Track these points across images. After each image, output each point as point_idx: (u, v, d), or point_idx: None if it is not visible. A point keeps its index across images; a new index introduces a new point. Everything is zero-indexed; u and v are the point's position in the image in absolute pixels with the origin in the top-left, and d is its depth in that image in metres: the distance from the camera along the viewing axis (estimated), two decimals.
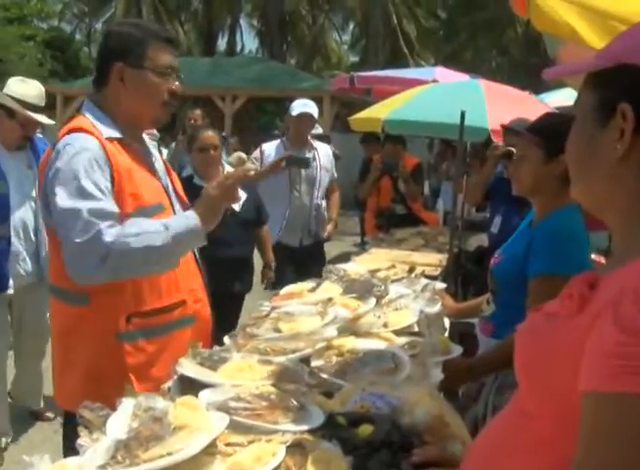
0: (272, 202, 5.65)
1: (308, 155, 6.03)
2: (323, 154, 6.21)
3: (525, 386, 1.25)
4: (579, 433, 1.03)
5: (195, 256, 2.87)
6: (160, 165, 2.88)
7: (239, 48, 40.02)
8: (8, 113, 4.31)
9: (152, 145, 2.92)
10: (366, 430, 1.81)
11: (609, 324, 0.99)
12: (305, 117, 5.95)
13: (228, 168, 5.01)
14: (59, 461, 1.67)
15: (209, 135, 4.83)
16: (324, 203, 6.30)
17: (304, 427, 1.83)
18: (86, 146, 2.51)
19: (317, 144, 6.26)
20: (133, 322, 2.61)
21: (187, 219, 2.53)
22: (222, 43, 39.87)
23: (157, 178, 2.78)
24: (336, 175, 6.45)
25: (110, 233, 2.38)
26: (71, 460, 1.68)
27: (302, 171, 5.99)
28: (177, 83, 2.72)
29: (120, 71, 2.66)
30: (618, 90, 1.17)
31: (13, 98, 4.34)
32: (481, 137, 6.31)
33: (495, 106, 6.41)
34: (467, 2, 30.00)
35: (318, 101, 18.38)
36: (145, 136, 2.90)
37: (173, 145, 7.24)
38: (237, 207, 4.59)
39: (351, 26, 39.95)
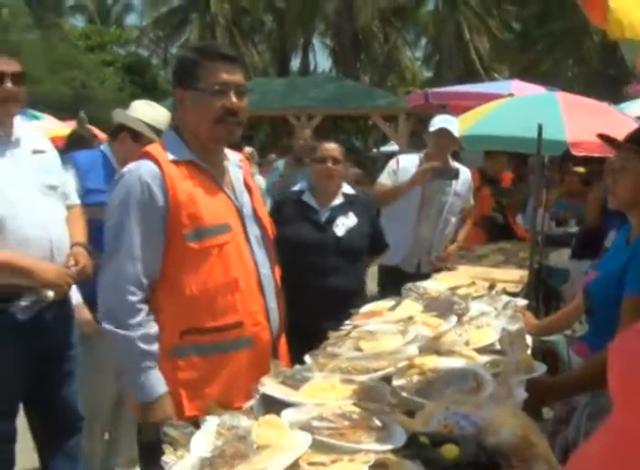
0: (397, 223, 5.29)
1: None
2: (461, 178, 5.67)
3: (622, 407, 1.21)
4: None
5: (259, 279, 2.83)
6: (238, 186, 2.89)
7: (312, 67, 40.40)
8: (133, 135, 4.22)
9: (234, 165, 2.94)
10: (450, 450, 1.79)
11: None
12: (444, 134, 5.42)
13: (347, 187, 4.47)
14: None
15: (330, 147, 4.30)
16: (448, 230, 5.75)
17: (387, 446, 1.82)
18: (141, 172, 2.65)
19: (457, 165, 5.70)
20: (188, 338, 2.66)
21: (156, 387, 2.63)
22: (296, 63, 40.35)
23: (228, 199, 2.80)
24: (472, 202, 6.02)
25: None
26: None
27: (437, 195, 5.53)
28: (234, 100, 2.71)
29: (180, 96, 2.74)
30: None
31: (140, 121, 4.27)
32: (560, 150, 6.21)
33: (573, 118, 6.29)
34: (542, 13, 29.63)
35: (393, 118, 18.54)
36: (232, 156, 2.95)
37: (279, 164, 7.02)
38: (341, 232, 4.16)
39: (424, 42, 39.90)
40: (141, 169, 2.66)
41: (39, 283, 3.30)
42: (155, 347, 2.62)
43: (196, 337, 2.66)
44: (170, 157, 2.69)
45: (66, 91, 25.79)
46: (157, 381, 2.62)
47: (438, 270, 5.39)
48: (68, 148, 4.96)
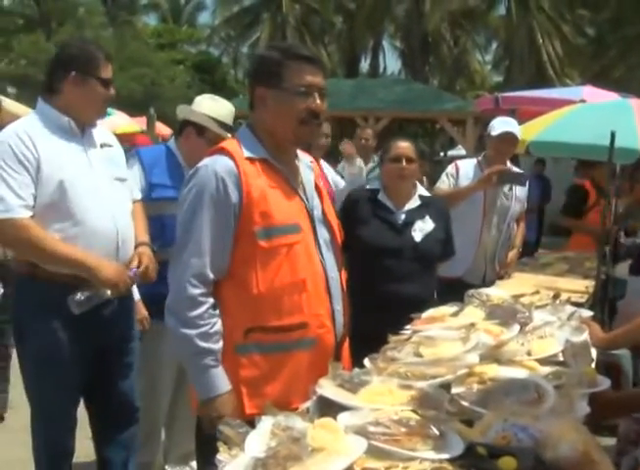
0: (459, 233, 4.81)
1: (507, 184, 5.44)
2: None
3: None
4: None
5: (327, 281, 2.82)
6: (309, 188, 2.89)
7: (381, 69, 40.31)
8: (197, 130, 4.24)
9: (306, 166, 2.95)
10: (508, 463, 1.75)
11: None
12: (508, 137, 5.30)
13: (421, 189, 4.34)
14: None
15: (404, 145, 4.13)
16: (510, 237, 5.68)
17: (444, 455, 1.80)
18: (217, 167, 2.66)
19: (517, 170, 5.58)
20: (251, 336, 2.66)
21: (215, 385, 2.65)
22: (365, 65, 40.29)
23: (300, 199, 2.81)
24: (526, 206, 5.86)
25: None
26: None
27: (499, 201, 5.41)
28: (318, 102, 2.72)
29: (262, 94, 2.74)
30: None
31: (206, 116, 4.28)
32: (632, 159, 6.07)
33: None
34: (616, 17, 29.04)
35: (461, 122, 18.39)
36: (303, 157, 2.96)
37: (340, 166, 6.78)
38: (418, 237, 4.03)
39: (494, 46, 39.47)
40: (217, 164, 2.67)
41: (99, 281, 3.34)
42: (216, 344, 2.64)
43: (260, 335, 2.67)
44: (246, 153, 2.70)
45: (135, 88, 26.24)
46: (216, 379, 2.63)
47: (500, 278, 5.32)
48: None
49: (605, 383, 2.65)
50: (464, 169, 5.42)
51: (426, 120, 22.95)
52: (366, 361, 2.63)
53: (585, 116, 6.77)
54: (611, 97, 8.97)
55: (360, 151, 6.90)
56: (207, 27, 45.15)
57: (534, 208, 11.66)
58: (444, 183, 5.43)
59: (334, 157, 7.85)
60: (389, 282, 3.90)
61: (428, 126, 27.53)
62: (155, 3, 44.63)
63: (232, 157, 2.68)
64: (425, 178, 14.99)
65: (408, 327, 3.09)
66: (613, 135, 5.49)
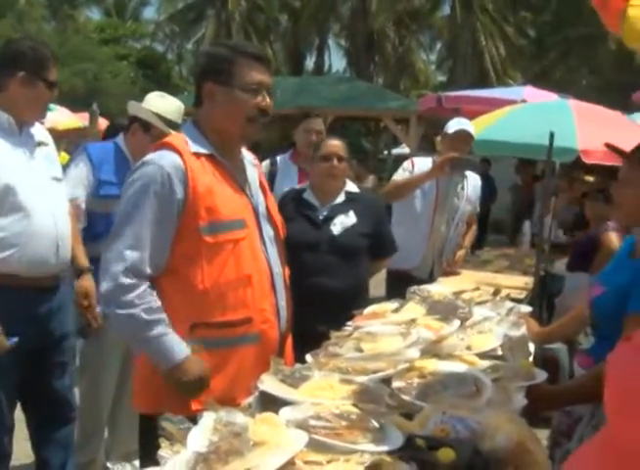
0: (410, 228, 5.26)
1: (459, 183, 5.53)
2: (472, 184, 5.65)
3: (615, 420, 1.19)
4: None
5: (272, 277, 2.85)
6: (254, 185, 2.92)
7: (326, 68, 40.39)
8: (143, 127, 4.22)
9: (250, 164, 2.97)
10: (446, 454, 1.78)
11: None
12: (463, 135, 5.38)
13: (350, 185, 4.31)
14: None
15: (335, 144, 4.12)
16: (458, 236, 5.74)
17: (383, 448, 1.82)
18: (163, 163, 2.65)
19: (468, 173, 5.60)
20: (196, 332, 2.66)
21: (177, 350, 2.63)
22: (310, 63, 40.33)
23: (245, 196, 2.82)
24: (478, 209, 5.92)
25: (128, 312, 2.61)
26: None
27: (450, 199, 5.47)
28: (267, 100, 2.75)
29: (210, 90, 2.75)
30: None
31: (152, 113, 4.26)
32: (570, 158, 6.21)
33: (585, 126, 6.30)
34: (558, 19, 29.55)
35: (404, 121, 18.48)
36: (247, 155, 2.98)
37: (278, 159, 6.77)
38: (337, 230, 4.01)
39: (438, 46, 39.84)
40: (163, 160, 2.66)
41: None
42: (161, 315, 2.62)
43: (204, 331, 2.67)
44: (192, 149, 2.70)
45: (78, 83, 25.85)
46: (175, 344, 2.62)
47: (446, 275, 5.39)
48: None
49: (541, 376, 2.69)
50: (419, 166, 5.45)
51: (369, 119, 22.97)
52: (308, 357, 2.65)
53: (526, 115, 6.92)
54: (550, 97, 9.17)
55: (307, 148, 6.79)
56: (152, 23, 44.72)
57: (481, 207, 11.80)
58: (399, 175, 5.47)
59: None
60: (308, 276, 3.86)
61: (371, 125, 27.61)
62: None
63: (178, 152, 2.67)
64: (371, 176, 15.09)
65: (350, 323, 3.11)
66: (552, 135, 5.61)
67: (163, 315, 2.62)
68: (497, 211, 13.67)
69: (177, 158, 2.65)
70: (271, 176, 5.09)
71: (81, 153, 4.24)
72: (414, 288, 3.73)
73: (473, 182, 5.65)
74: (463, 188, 5.55)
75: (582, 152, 6.01)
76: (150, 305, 2.61)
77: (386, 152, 26.52)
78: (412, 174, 5.38)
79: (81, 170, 4.10)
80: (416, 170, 5.40)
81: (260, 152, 8.06)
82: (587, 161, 6.20)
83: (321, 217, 4.04)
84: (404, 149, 20.87)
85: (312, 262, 3.94)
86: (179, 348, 2.61)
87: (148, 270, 2.64)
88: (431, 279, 5.22)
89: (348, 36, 37.46)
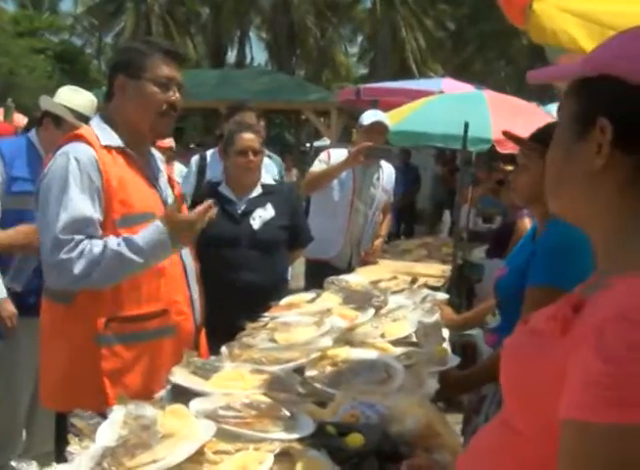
0: (328, 217, 5.34)
1: (375, 173, 5.58)
2: (387, 174, 5.71)
3: (509, 402, 1.22)
4: (559, 460, 1.01)
5: (184, 269, 2.86)
6: (162, 178, 2.93)
7: (248, 61, 40.19)
8: (55, 121, 4.11)
9: (159, 159, 3.00)
10: (355, 439, 1.81)
11: (591, 352, 0.97)
12: (377, 127, 5.42)
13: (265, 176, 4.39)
14: (46, 468, 1.68)
15: (250, 137, 4.12)
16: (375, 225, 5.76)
17: (294, 436, 1.84)
18: (78, 155, 2.61)
19: (383, 163, 5.71)
20: (111, 327, 2.64)
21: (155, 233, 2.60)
22: (232, 56, 40.06)
23: (155, 189, 2.82)
24: (392, 199, 5.98)
25: (79, 264, 2.52)
26: (60, 468, 1.68)
27: (364, 189, 5.51)
28: (178, 95, 2.77)
29: (122, 84, 2.75)
30: (599, 103, 1.14)
31: (63, 107, 4.16)
32: (486, 147, 6.32)
33: (499, 116, 6.42)
34: (474, 13, 30.02)
35: (326, 113, 18.54)
36: (154, 151, 2.99)
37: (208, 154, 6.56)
38: (257, 225, 4.04)
39: (360, 39, 40.04)
40: (78, 152, 2.62)
41: None
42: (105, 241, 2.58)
43: (120, 325, 2.65)
44: (103, 141, 2.68)
45: None
46: (145, 237, 2.58)
47: (365, 264, 5.44)
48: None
49: (454, 361, 2.76)
50: (335, 157, 5.49)
51: (290, 111, 23.00)
52: (223, 349, 2.65)
53: (441, 106, 7.02)
54: (467, 89, 9.32)
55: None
56: (70, 16, 43.80)
57: (406, 197, 11.86)
58: (316, 167, 5.51)
59: None
60: (229, 271, 3.88)
61: (293, 117, 27.66)
62: None
63: (90, 144, 2.65)
64: (295, 169, 15.07)
65: (266, 314, 3.12)
66: (466, 125, 5.71)
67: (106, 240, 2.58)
68: (419, 200, 13.80)
69: (90, 149, 2.63)
70: (201, 171, 5.10)
71: None
72: (332, 278, 3.76)
73: (387, 171, 5.71)
74: (379, 178, 5.61)
75: (496, 141, 6.12)
76: (90, 246, 2.55)
77: (308, 144, 26.55)
78: (328, 165, 5.42)
79: None
80: (332, 161, 5.43)
81: (182, 142, 8.03)
82: (501, 150, 6.31)
83: (239, 212, 4.05)
84: (326, 141, 20.93)
85: (233, 257, 3.95)
86: (152, 232, 2.58)
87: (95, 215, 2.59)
88: (349, 269, 5.28)
89: (270, 29, 37.35)
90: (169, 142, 7.82)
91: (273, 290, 3.89)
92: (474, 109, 6.53)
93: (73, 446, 1.79)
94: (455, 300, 5.41)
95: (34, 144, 4.19)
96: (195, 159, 5.25)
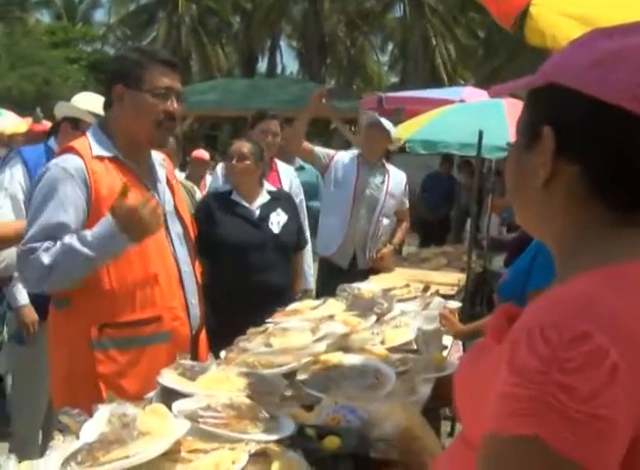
0: (333, 217, 5.51)
1: (378, 177, 5.62)
2: (394, 179, 5.70)
3: (460, 414, 1.22)
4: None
5: (180, 276, 2.88)
6: (161, 187, 2.96)
7: (279, 70, 40.28)
8: (72, 123, 4.19)
9: (158, 164, 3.01)
10: (332, 441, 1.83)
11: (505, 364, 0.97)
12: (376, 128, 5.51)
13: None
14: (25, 462, 1.73)
15: (241, 144, 4.27)
16: (382, 230, 5.74)
17: (272, 437, 1.87)
18: (66, 165, 2.68)
19: (391, 169, 5.75)
20: (106, 332, 2.68)
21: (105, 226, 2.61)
22: (263, 65, 40.18)
23: (151, 196, 2.83)
24: (407, 205, 5.94)
25: (44, 259, 2.58)
26: (38, 461, 1.73)
27: (367, 192, 5.56)
28: (175, 105, 2.80)
29: (120, 93, 2.78)
30: (544, 112, 1.12)
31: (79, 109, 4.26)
32: (502, 155, 6.32)
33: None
34: None
35: (354, 121, 18.54)
36: (155, 155, 3.01)
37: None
38: (276, 229, 4.17)
39: (390, 47, 39.98)
40: (66, 163, 2.68)
41: None
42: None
43: (114, 330, 2.69)
44: (95, 152, 2.73)
45: (27, 87, 25.52)
46: (96, 233, 2.60)
47: (376, 271, 5.44)
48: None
49: (452, 367, 2.76)
50: (340, 156, 5.66)
51: (318, 120, 23.06)
52: (222, 353, 2.69)
53: (459, 115, 7.04)
54: (486, 97, 9.30)
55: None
56: (103, 26, 44.28)
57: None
58: (319, 150, 5.70)
59: None
60: (257, 274, 4.00)
61: (321, 126, 27.68)
62: (48, 0, 43.48)
63: (80, 155, 2.70)
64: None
65: (269, 320, 3.16)
66: (480, 133, 5.71)
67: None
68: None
69: (79, 160, 2.68)
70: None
71: (15, 156, 4.22)
72: (344, 285, 3.80)
73: (396, 177, 5.74)
74: (383, 182, 5.64)
75: None
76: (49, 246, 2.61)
77: None
78: (329, 160, 5.60)
79: (16, 173, 4.08)
80: (336, 158, 5.62)
81: (214, 151, 8.09)
82: None
83: (256, 217, 4.14)
84: (355, 150, 20.91)
85: (258, 261, 4.04)
86: (100, 225, 2.60)
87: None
88: (353, 269, 5.43)
89: (300, 38, 37.45)
90: (203, 154, 7.98)
91: (289, 290, 4.27)
92: (491, 117, 6.53)
93: (56, 442, 1.84)
94: (468, 308, 5.40)
95: (53, 150, 4.28)
96: (220, 167, 5.35)
